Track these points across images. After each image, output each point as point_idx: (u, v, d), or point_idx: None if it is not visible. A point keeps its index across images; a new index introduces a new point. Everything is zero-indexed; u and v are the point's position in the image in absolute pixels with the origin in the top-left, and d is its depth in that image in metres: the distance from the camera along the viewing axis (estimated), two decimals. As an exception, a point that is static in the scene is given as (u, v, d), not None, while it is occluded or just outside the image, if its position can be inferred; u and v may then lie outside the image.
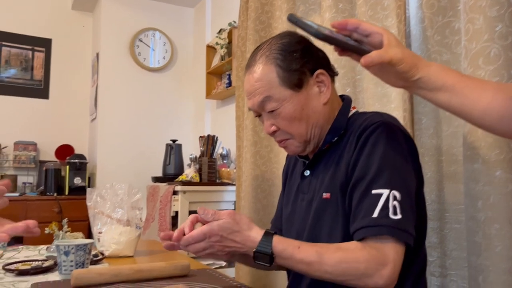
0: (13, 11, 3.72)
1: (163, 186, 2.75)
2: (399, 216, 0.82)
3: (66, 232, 1.52)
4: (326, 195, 0.96)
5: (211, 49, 3.43)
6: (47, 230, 1.48)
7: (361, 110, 1.18)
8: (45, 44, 3.82)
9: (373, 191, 0.86)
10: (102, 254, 1.38)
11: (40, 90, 3.77)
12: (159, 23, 3.82)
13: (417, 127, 1.36)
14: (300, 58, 0.96)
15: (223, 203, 2.69)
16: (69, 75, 3.89)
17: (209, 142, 2.72)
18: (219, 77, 3.39)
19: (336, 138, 1.00)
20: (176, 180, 2.73)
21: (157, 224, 2.68)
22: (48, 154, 3.68)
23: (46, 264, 1.21)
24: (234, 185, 2.58)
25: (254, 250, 0.85)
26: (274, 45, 0.98)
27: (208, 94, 3.36)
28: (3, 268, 1.16)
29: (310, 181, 1.05)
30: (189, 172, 2.68)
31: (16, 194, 3.31)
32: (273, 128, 1.00)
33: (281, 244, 0.85)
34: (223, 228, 0.85)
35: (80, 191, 3.35)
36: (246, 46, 2.16)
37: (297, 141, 1.01)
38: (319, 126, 1.00)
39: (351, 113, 1.02)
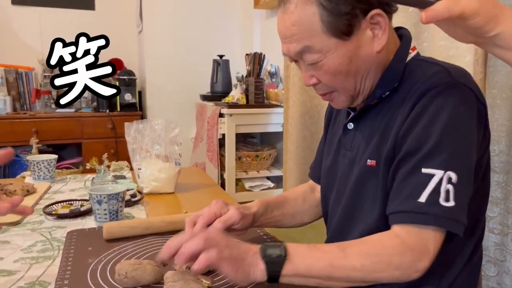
0: None
1: (210, 106, 2.69)
2: (451, 204, 0.69)
3: (107, 166, 1.53)
4: (371, 162, 0.83)
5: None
6: (88, 166, 1.49)
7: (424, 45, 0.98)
8: (87, -50, 3.62)
9: (424, 170, 0.71)
10: (141, 192, 1.37)
11: (85, 0, 3.66)
12: None
13: (492, 63, 1.14)
14: None
15: (271, 126, 2.60)
16: (114, -16, 3.73)
17: (256, 61, 2.56)
18: (268, -16, 3.09)
19: (388, 93, 0.83)
20: (223, 101, 2.65)
21: (205, 144, 2.68)
22: (99, 68, 3.68)
23: (84, 207, 1.21)
24: (282, 106, 2.47)
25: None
26: None
27: (257, 4, 3.11)
28: (43, 211, 1.18)
29: (354, 136, 0.91)
30: (235, 94, 2.58)
31: (72, 110, 3.40)
32: (314, 80, 0.84)
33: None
34: None
35: (131, 108, 3.38)
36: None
37: (343, 95, 0.86)
38: (371, 77, 0.83)
39: (409, 57, 0.84)
